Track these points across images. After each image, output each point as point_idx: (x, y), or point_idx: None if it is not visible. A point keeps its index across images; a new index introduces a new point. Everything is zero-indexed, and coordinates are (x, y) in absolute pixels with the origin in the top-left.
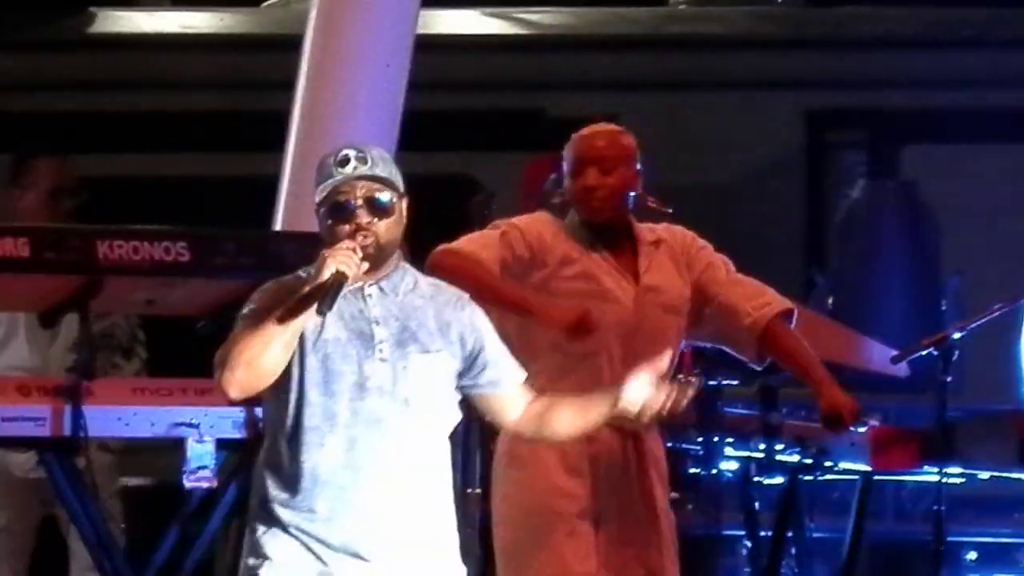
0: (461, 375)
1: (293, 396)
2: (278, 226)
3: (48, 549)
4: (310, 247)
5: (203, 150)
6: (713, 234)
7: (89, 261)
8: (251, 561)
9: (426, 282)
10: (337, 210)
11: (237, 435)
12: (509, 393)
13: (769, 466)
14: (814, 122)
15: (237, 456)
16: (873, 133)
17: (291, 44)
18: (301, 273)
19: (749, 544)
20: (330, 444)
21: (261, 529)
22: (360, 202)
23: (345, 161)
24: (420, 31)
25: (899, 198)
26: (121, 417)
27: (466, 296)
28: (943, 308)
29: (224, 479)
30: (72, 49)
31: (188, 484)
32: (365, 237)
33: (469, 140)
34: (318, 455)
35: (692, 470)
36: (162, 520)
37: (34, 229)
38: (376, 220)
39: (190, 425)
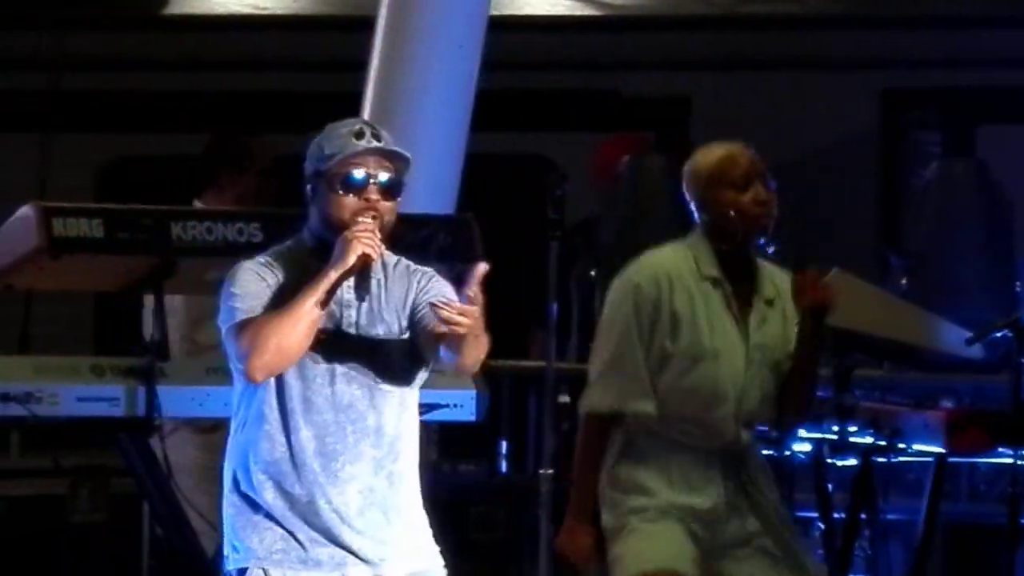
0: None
1: (270, 382)
2: None
3: None
4: None
5: (276, 131)
6: (788, 214)
7: (162, 242)
8: (236, 548)
9: (396, 262)
10: (350, 182)
11: None
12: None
13: (843, 448)
14: (889, 102)
15: None
16: (948, 112)
17: (364, 24)
18: (264, 259)
19: (823, 526)
20: (305, 429)
21: (238, 515)
22: (375, 178)
23: (360, 134)
24: (493, 11)
25: (973, 177)
26: (195, 397)
27: (432, 272)
28: (1018, 288)
29: None
30: (148, 29)
31: None
32: (372, 215)
33: (542, 120)
34: (294, 440)
35: (765, 452)
36: None
37: (108, 210)
38: (382, 200)
39: None
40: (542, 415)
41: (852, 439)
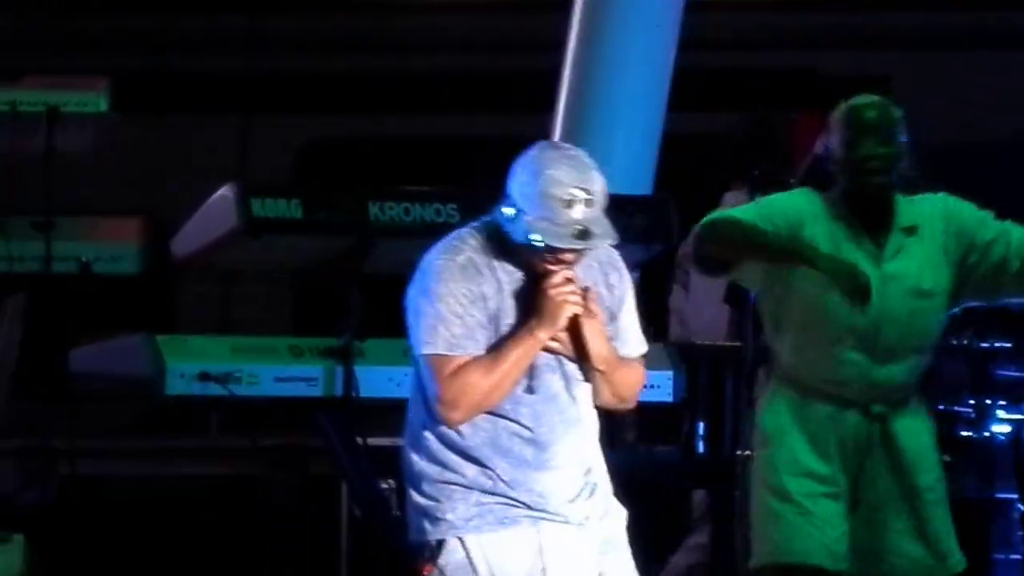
0: None
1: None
2: None
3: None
4: None
5: (472, 111)
6: (984, 195)
7: (361, 222)
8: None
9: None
10: (550, 250)
11: None
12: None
13: None
14: None
15: None
16: None
17: (561, 4)
18: (464, 256)
19: (1022, 508)
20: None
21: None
22: (575, 253)
23: (571, 203)
24: None
25: None
26: (392, 378)
27: (616, 255)
28: None
29: None
30: (342, 10)
31: None
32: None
33: (739, 99)
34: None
35: (964, 433)
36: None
37: (306, 190)
38: (578, 257)
39: None
40: (738, 399)
41: None
